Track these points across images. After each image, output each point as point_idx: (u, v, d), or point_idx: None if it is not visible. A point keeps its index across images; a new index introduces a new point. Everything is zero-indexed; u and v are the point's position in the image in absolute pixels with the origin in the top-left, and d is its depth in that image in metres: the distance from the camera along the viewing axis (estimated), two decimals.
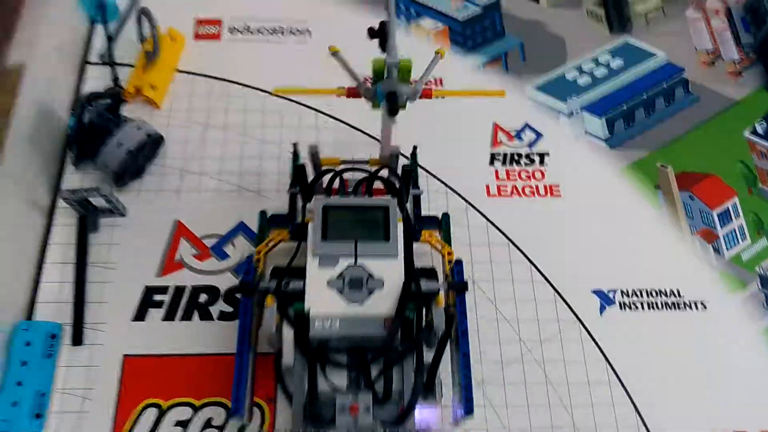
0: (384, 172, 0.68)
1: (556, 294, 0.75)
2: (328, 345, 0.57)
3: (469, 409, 0.61)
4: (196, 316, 0.70)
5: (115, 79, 0.84)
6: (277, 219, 0.70)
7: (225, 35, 0.91)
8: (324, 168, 0.68)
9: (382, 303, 0.58)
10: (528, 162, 0.83)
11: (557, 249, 0.77)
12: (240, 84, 0.87)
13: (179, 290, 0.71)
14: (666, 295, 0.76)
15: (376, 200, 0.65)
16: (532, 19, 0.96)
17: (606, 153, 0.85)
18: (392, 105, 0.55)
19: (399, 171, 0.68)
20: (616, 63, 0.92)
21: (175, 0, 0.93)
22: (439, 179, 0.81)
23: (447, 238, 0.71)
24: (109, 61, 0.86)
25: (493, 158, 0.83)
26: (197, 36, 0.91)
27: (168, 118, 0.84)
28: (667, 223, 0.81)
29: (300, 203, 0.69)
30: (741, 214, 0.82)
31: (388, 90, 0.55)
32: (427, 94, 0.60)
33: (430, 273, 0.66)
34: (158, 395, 0.66)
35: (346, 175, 0.68)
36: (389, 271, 0.59)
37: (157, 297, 0.71)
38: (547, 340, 0.72)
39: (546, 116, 0.87)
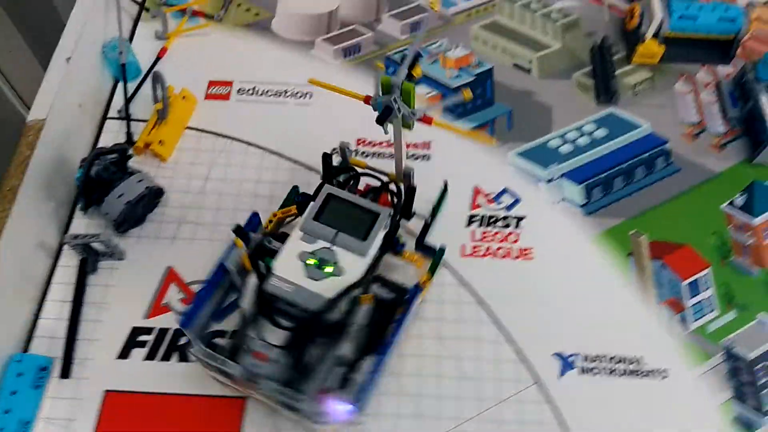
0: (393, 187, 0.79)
1: (518, 354, 0.78)
2: (275, 304, 0.68)
3: (358, 406, 0.65)
4: (175, 357, 0.76)
5: (129, 134, 0.93)
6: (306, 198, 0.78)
7: (233, 96, 0.99)
8: (348, 166, 0.80)
9: (333, 288, 0.68)
10: (504, 225, 0.87)
11: (525, 310, 0.81)
12: (241, 141, 0.95)
13: (162, 332, 0.78)
14: (628, 362, 0.78)
15: (371, 205, 0.74)
16: (523, 88, 1.00)
17: (581, 219, 0.88)
18: (383, 116, 0.66)
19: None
20: (600, 132, 0.96)
21: (193, 63, 1.02)
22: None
23: (432, 269, 0.77)
24: (125, 116, 0.95)
25: (470, 220, 0.88)
26: (208, 96, 0.99)
27: (173, 170, 0.92)
28: (635, 290, 0.83)
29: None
30: (711, 285, 0.84)
31: (386, 103, 0.65)
32: (426, 121, 0.69)
33: (395, 287, 0.73)
34: (134, 428, 0.72)
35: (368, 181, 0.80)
36: (353, 265, 0.70)
37: (142, 337, 0.77)
38: (504, 401, 0.75)
39: (526, 182, 0.91)
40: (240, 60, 1.03)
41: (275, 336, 0.68)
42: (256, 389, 0.66)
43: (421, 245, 0.82)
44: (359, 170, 0.80)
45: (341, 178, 0.81)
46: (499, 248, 0.86)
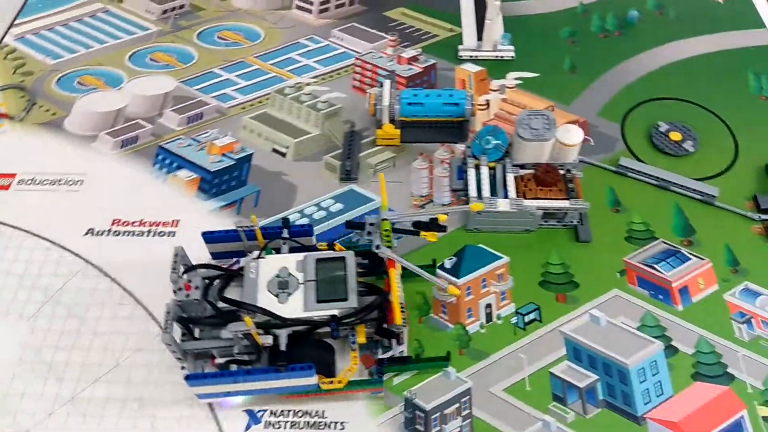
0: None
1: (210, 412, 0.84)
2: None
3: None
4: None
5: None
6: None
7: (14, 186, 1.10)
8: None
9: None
10: None
11: None
12: (12, 227, 1.05)
13: None
14: (311, 415, 0.84)
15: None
16: (277, 170, 1.12)
17: None
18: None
19: None
20: (336, 207, 1.06)
21: None
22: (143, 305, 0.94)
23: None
24: None
25: None
26: None
27: None
28: None
29: None
30: (406, 342, 0.91)
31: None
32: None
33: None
34: None
35: None
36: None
37: None
38: None
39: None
40: (25, 154, 1.14)
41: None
42: None
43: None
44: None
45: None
46: None
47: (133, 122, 1.18)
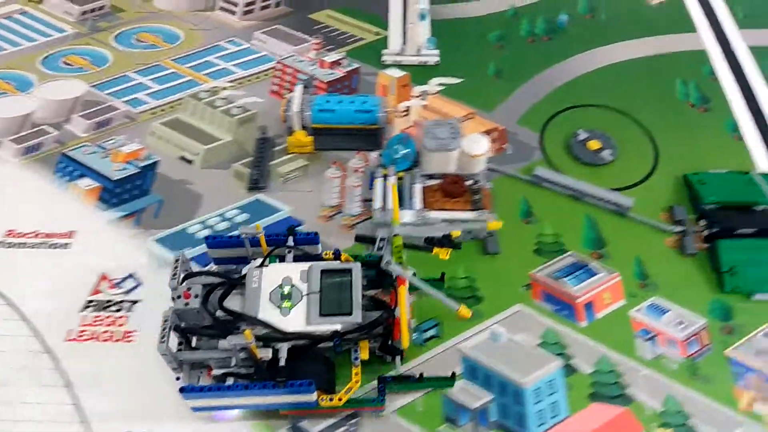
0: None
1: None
2: None
3: None
4: None
5: None
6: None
7: None
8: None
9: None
10: (117, 309, 0.92)
11: (109, 391, 0.84)
12: None
13: None
14: None
15: None
16: (183, 179, 1.08)
17: None
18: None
19: None
20: (242, 217, 1.03)
21: None
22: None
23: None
24: None
25: (87, 305, 0.93)
26: None
27: None
28: None
29: None
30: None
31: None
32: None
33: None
34: None
35: None
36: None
37: None
38: None
39: (157, 267, 0.97)
40: None
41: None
42: None
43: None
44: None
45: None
46: (105, 332, 0.90)
47: (39, 128, 1.14)
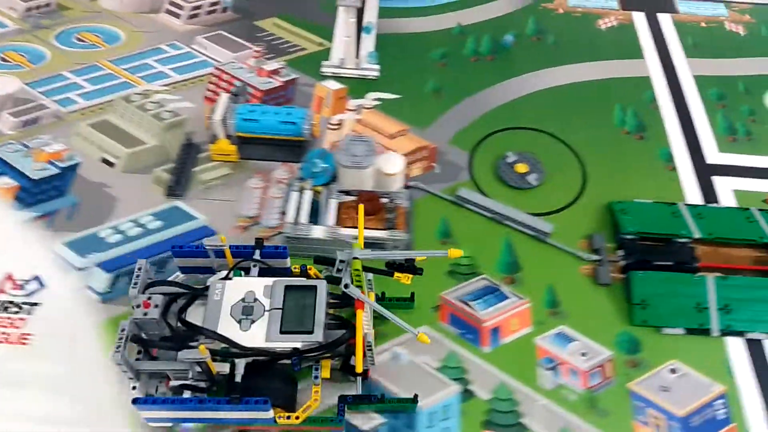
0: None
1: None
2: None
3: None
4: None
5: None
6: None
7: None
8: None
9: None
10: (16, 311, 0.91)
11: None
12: None
13: None
14: None
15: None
16: (103, 182, 1.07)
17: (97, 307, 0.92)
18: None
19: None
20: (155, 224, 1.01)
21: None
22: None
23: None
24: None
25: None
26: None
27: None
28: None
29: None
30: None
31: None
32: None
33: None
34: None
35: None
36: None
37: None
38: None
39: (64, 270, 0.95)
40: None
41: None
42: None
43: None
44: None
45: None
46: (2, 333, 0.89)
47: None
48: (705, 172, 1.14)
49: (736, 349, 0.92)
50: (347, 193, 0.98)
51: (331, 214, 0.96)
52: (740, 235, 1.01)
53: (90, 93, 1.19)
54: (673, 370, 0.90)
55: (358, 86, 1.23)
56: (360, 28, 1.31)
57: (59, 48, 1.27)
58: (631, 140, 1.18)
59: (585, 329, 0.93)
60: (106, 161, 1.09)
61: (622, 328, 0.93)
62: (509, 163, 1.11)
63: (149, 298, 0.78)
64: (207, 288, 0.81)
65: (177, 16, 1.34)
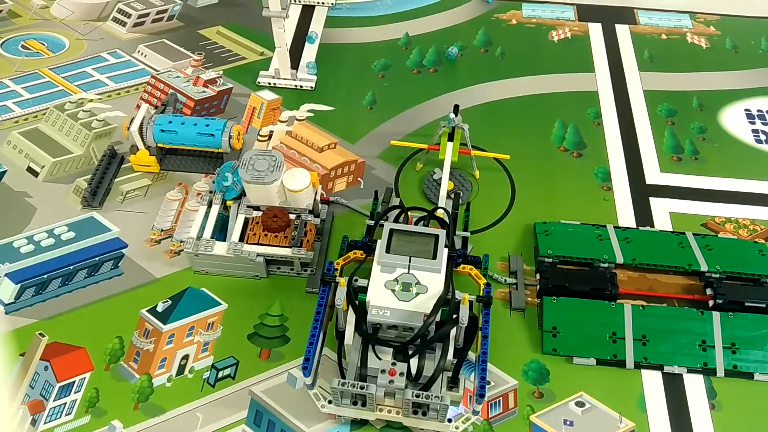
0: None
1: None
2: (379, 329, 0.77)
3: (482, 395, 0.75)
4: None
5: None
6: (354, 244, 0.92)
7: None
8: (393, 206, 0.94)
9: (424, 303, 0.77)
10: None
11: None
12: None
13: None
14: None
15: (428, 230, 0.85)
16: (24, 191, 1.06)
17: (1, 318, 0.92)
18: None
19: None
20: (68, 235, 1.01)
21: None
22: None
23: (484, 273, 0.92)
24: None
25: None
26: None
27: None
28: (4, 389, 0.85)
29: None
30: (83, 390, 0.86)
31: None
32: None
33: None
34: None
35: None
36: (432, 281, 0.79)
37: None
38: None
39: None
40: None
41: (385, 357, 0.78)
42: (394, 404, 0.76)
43: (466, 257, 0.92)
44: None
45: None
46: None
47: None
48: (643, 193, 1.09)
49: (652, 383, 0.88)
50: (256, 208, 0.96)
51: (236, 230, 0.94)
52: (668, 261, 0.97)
53: (26, 101, 1.19)
54: (580, 403, 0.86)
55: (294, 97, 1.21)
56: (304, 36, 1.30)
57: (3, 55, 1.28)
58: (568, 158, 1.14)
59: (493, 356, 0.89)
60: (31, 170, 1.09)
61: (533, 356, 0.90)
62: (435, 179, 1.08)
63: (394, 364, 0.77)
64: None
65: (123, 24, 1.34)
